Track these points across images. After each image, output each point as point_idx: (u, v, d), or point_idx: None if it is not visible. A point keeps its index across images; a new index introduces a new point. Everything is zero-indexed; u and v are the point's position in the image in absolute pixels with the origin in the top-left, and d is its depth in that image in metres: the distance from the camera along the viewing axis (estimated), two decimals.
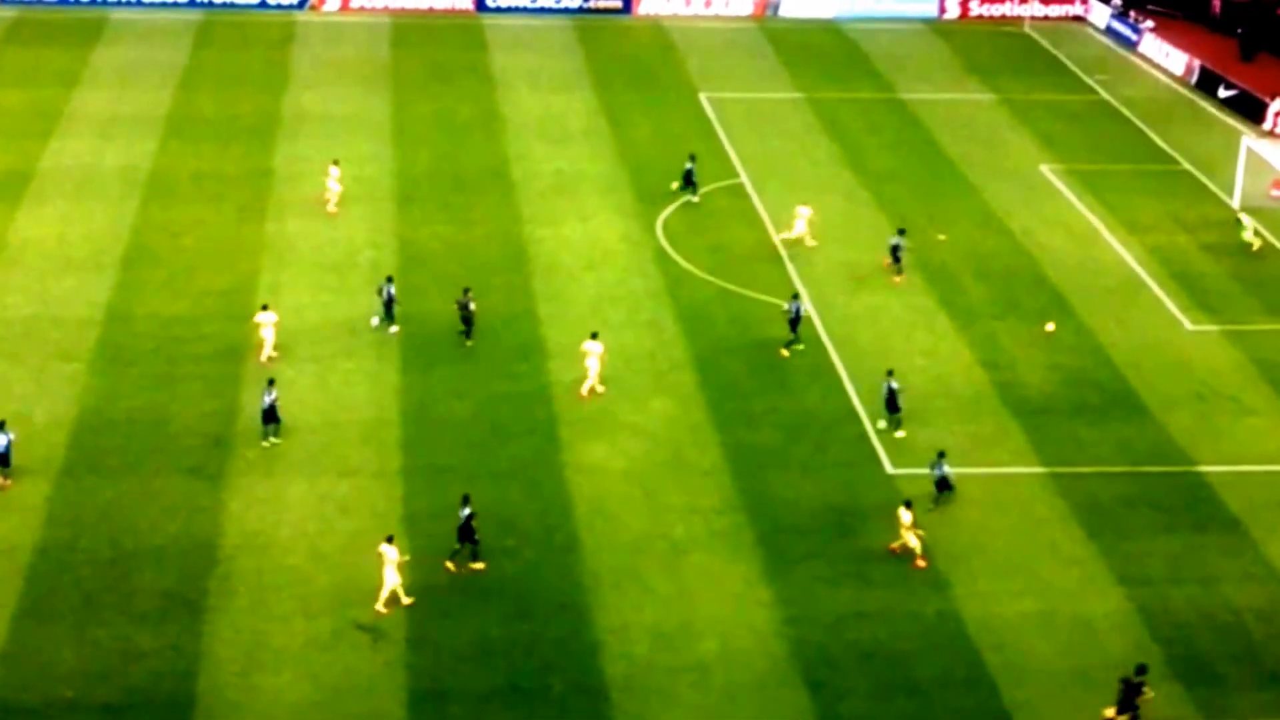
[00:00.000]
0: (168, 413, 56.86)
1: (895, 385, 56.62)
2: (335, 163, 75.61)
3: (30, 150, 79.98)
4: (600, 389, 58.63)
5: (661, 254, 70.57)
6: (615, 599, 47.82)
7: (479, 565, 48.91)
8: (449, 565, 48.78)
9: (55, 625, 46.01)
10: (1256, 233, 73.07)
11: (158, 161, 79.36)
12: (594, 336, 59.23)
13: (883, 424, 56.98)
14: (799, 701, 44.00)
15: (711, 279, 68.03)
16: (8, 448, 52.65)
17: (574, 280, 67.84)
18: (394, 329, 62.40)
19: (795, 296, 63.08)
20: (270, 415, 55.11)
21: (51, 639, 45.44)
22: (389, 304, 62.74)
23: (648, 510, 52.24)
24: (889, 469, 54.86)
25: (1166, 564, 50.19)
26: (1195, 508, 53.26)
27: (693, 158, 76.85)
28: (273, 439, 55.11)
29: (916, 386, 59.64)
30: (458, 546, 48.86)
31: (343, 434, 55.91)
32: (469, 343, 61.71)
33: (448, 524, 49.97)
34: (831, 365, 61.44)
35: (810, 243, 71.34)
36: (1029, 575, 49.39)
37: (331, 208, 73.52)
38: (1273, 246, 73.30)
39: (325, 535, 50.39)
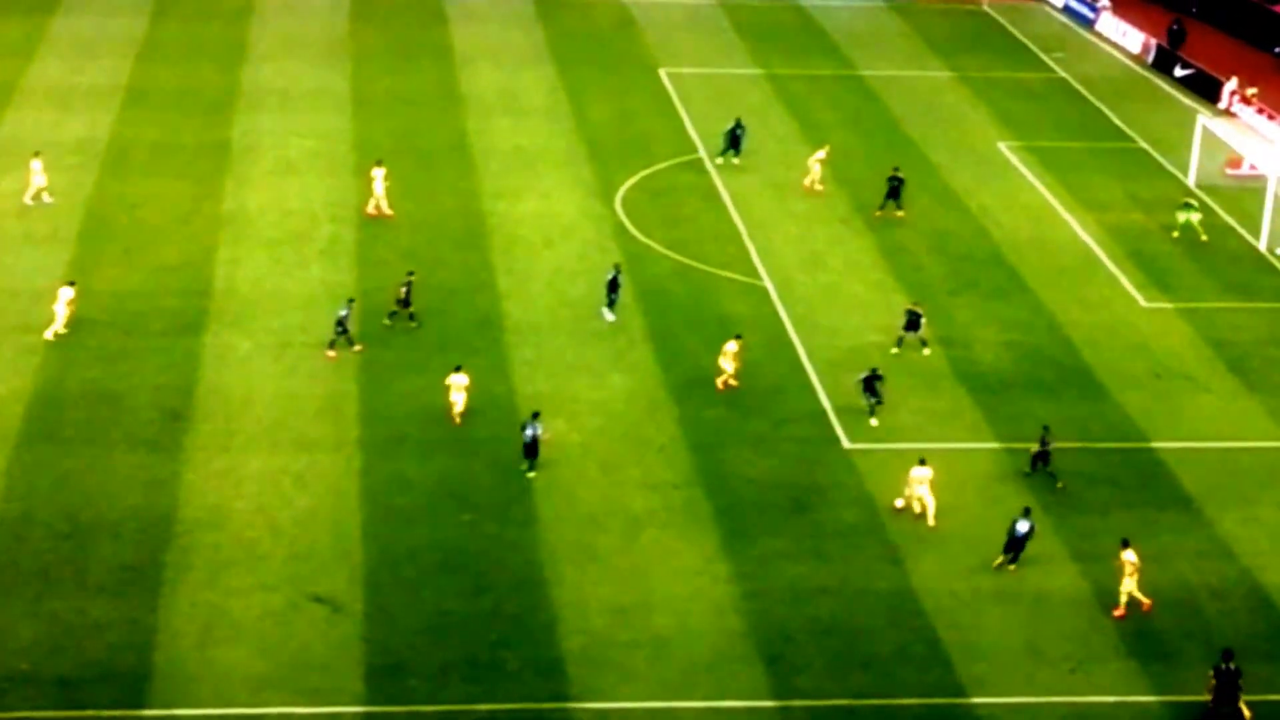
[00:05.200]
0: (125, 386, 56.68)
1: (876, 373, 56.46)
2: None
3: None
4: (734, 382, 58.03)
5: (620, 229, 70.58)
6: (573, 574, 47.83)
7: (531, 474, 52.07)
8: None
9: (11, 598, 45.82)
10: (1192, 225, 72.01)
11: (115, 133, 79.05)
12: (737, 337, 58.40)
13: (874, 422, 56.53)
14: (756, 676, 44.11)
15: (670, 254, 68.06)
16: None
17: (533, 255, 67.82)
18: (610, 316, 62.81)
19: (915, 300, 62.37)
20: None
21: (7, 612, 45.24)
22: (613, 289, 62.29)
23: (605, 485, 52.28)
24: (846, 444, 55.01)
25: (1121, 540, 50.39)
26: (1150, 485, 53.51)
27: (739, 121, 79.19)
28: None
29: (874, 363, 59.85)
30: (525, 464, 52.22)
31: (300, 407, 55.84)
32: (413, 324, 61.11)
33: (405, 498, 50.15)
34: (789, 342, 61.56)
35: (819, 187, 74.89)
36: (984, 551, 49.55)
37: None
38: (1229, 226, 73.66)
39: (282, 509, 50.29)
